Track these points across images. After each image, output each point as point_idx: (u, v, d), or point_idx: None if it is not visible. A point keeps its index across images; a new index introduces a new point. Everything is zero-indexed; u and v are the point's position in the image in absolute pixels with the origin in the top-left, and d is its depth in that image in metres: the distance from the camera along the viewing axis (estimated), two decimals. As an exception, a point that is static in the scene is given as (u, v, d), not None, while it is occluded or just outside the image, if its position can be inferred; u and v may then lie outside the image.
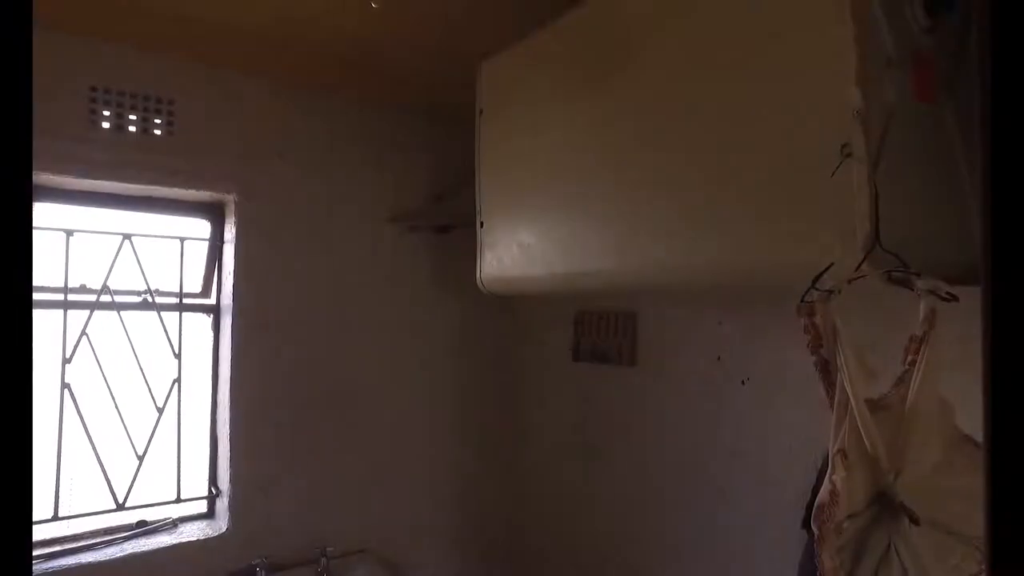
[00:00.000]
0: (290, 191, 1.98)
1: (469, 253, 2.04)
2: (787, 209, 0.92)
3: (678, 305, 1.84)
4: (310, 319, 2.02)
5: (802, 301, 0.80)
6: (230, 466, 1.87)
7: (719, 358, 1.75)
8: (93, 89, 1.68)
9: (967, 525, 0.78)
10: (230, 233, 1.93)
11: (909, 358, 0.81)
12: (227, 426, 1.88)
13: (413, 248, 2.23)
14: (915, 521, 0.73)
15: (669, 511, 1.85)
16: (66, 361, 1.71)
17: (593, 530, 2.10)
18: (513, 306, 2.44)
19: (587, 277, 1.28)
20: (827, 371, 0.80)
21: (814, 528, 0.79)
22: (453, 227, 2.22)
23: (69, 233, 1.71)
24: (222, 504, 1.90)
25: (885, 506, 0.77)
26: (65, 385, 1.70)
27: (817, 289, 0.78)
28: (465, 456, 2.34)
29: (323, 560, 1.92)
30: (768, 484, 1.62)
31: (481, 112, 1.60)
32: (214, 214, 1.96)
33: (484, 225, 1.57)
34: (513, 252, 1.46)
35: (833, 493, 0.75)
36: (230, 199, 1.91)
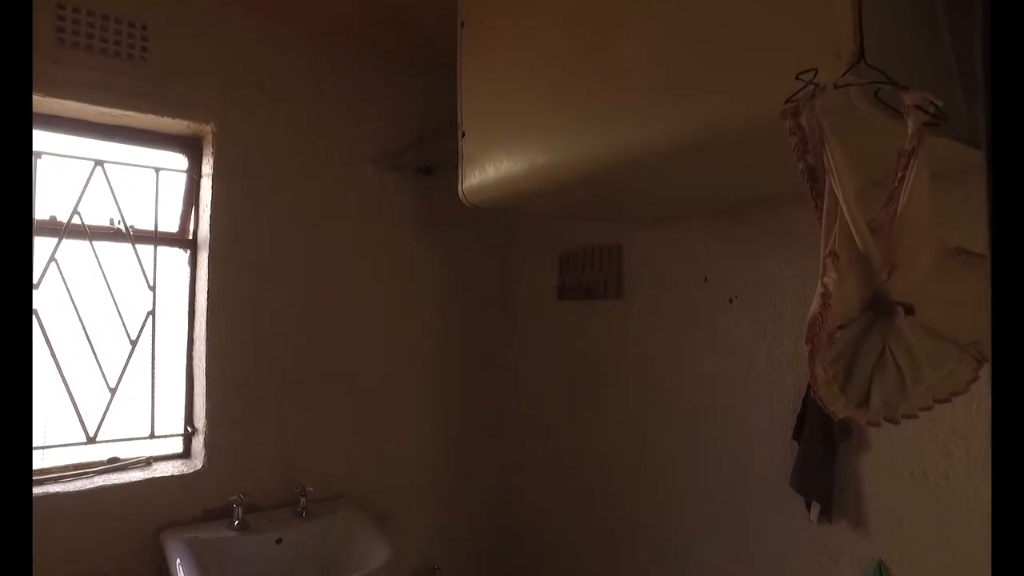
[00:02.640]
0: (270, 126, 1.94)
1: (452, 196, 2.01)
2: (770, 37, 0.89)
3: (664, 228, 1.82)
4: (290, 257, 1.97)
5: (787, 101, 0.77)
6: (206, 403, 1.81)
7: (706, 279, 1.73)
8: (61, 7, 1.63)
9: (963, 331, 0.75)
10: (208, 167, 1.89)
11: (898, 174, 0.78)
12: (203, 361, 1.82)
13: (396, 190, 2.19)
14: (910, 311, 0.70)
15: (660, 439, 1.82)
16: (33, 287, 1.65)
17: (582, 467, 2.06)
18: (496, 248, 2.40)
19: (570, 165, 1.25)
20: (814, 179, 0.77)
21: (805, 346, 0.76)
22: (436, 170, 2.19)
23: (37, 155, 1.66)
24: (198, 443, 1.84)
25: (879, 311, 0.74)
26: (32, 312, 1.64)
27: (802, 80, 0.75)
28: (449, 400, 2.29)
29: (302, 500, 1.86)
30: (759, 400, 1.59)
31: (463, 24, 1.58)
32: (191, 148, 1.91)
33: (465, 135, 1.54)
34: (494, 155, 1.43)
35: (825, 296, 0.72)
36: (207, 130, 1.86)
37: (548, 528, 2.19)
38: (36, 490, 1.57)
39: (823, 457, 1.42)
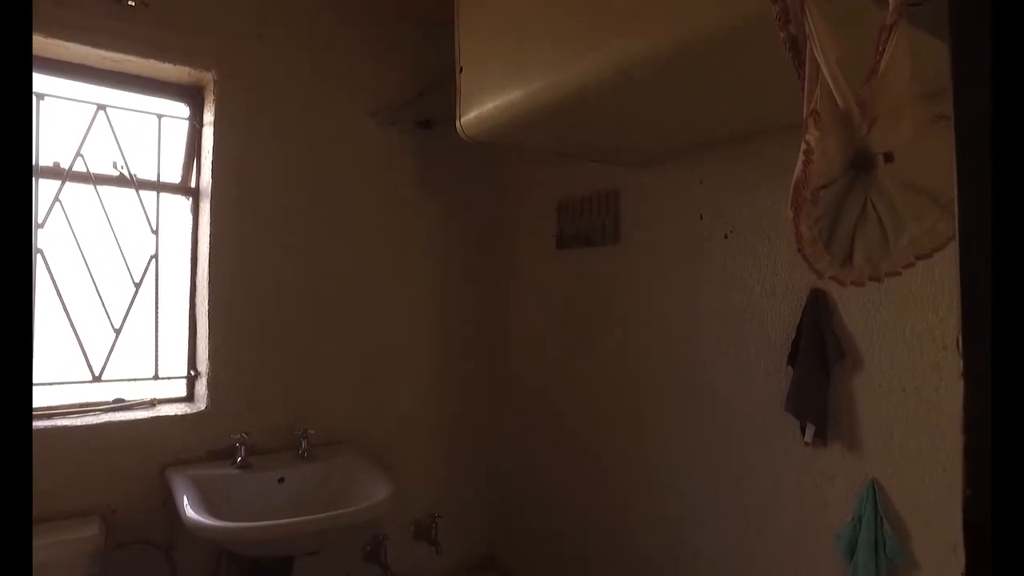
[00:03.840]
0: (272, 75, 1.96)
1: (452, 149, 2.04)
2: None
3: (659, 169, 1.83)
4: (292, 207, 1.99)
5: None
6: (209, 347, 1.83)
7: (701, 217, 1.75)
8: (64, -51, 1.66)
9: (943, 189, 0.76)
10: (209, 115, 1.91)
11: (879, 48, 0.80)
12: (206, 306, 1.84)
13: (397, 143, 2.21)
14: (889, 158, 0.72)
15: (657, 376, 1.84)
16: (38, 226, 1.67)
17: (580, 411, 2.08)
18: (495, 200, 2.42)
19: (564, 85, 1.27)
20: (796, 49, 0.79)
21: (790, 210, 0.78)
22: (436, 123, 2.21)
23: (40, 97, 1.69)
24: (201, 386, 1.87)
25: (860, 167, 0.76)
26: (37, 251, 1.67)
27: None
28: (448, 350, 2.32)
29: (304, 443, 1.88)
30: (754, 330, 1.61)
31: (459, -39, 1.60)
32: (192, 97, 1.94)
33: (463, 70, 1.56)
34: (491, 85, 1.45)
35: (807, 152, 0.74)
36: (209, 78, 1.89)
37: (547, 471, 2.21)
38: (44, 423, 1.60)
39: (817, 380, 1.44)
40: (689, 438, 1.75)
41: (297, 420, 1.93)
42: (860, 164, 0.76)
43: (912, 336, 1.34)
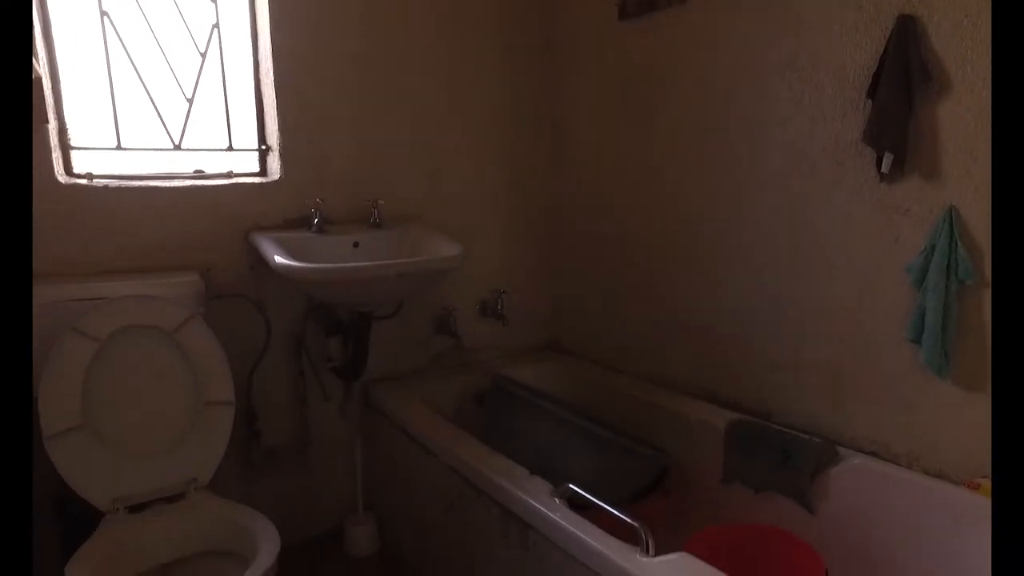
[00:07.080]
0: None
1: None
2: None
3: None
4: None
5: None
6: (278, 119, 1.86)
7: (779, -42, 1.63)
8: None
9: None
10: None
11: None
12: (271, 78, 1.85)
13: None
14: None
15: (725, 139, 1.81)
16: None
17: (642, 190, 2.08)
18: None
19: None
20: None
21: None
22: None
23: None
24: (273, 160, 1.92)
25: None
26: (104, 13, 1.68)
27: None
28: (507, 132, 2.32)
29: (375, 212, 1.96)
30: (831, 69, 1.55)
31: None
32: None
33: None
34: None
35: None
36: None
37: (608, 252, 2.25)
38: (137, 183, 1.69)
39: (899, 107, 1.40)
40: (761, 190, 1.74)
41: (368, 194, 1.99)
42: None
43: (1012, 47, 1.26)
